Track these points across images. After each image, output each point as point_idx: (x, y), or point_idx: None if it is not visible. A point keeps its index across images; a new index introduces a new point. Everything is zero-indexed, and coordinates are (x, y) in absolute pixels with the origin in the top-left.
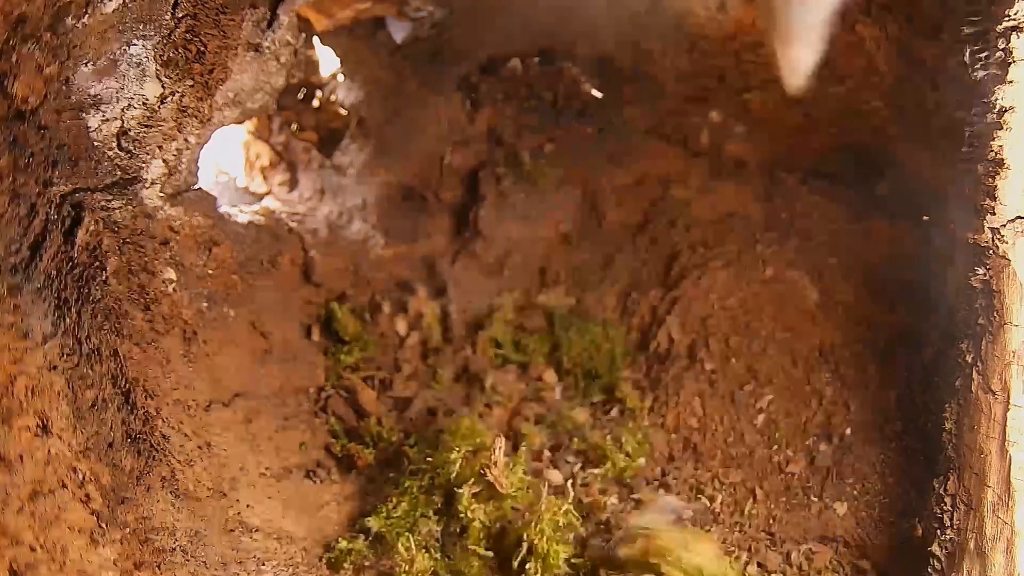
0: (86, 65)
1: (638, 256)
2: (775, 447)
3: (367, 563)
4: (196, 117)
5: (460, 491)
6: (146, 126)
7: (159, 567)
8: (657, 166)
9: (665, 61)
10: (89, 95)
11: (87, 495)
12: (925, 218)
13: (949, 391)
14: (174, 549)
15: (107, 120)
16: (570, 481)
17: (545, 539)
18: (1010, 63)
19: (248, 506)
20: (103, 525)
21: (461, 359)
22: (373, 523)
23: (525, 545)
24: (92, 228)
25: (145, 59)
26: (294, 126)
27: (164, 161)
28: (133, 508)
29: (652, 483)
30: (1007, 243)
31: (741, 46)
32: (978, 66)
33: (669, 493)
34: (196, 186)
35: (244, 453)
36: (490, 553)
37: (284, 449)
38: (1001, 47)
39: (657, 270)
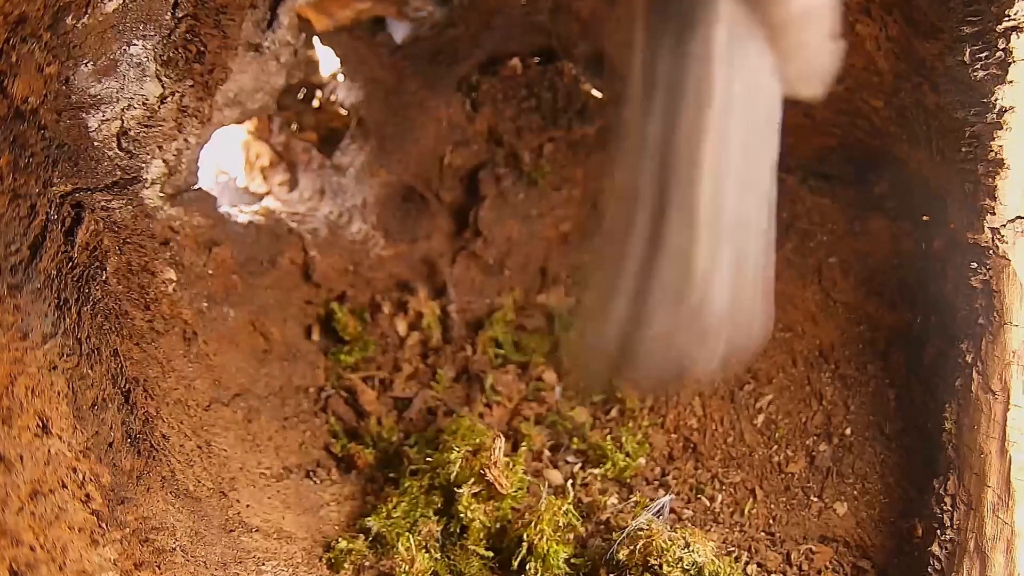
0: (86, 65)
1: None
2: (775, 447)
3: (367, 563)
4: (196, 117)
5: (460, 491)
6: (146, 126)
7: (159, 567)
8: None
9: None
10: (89, 95)
11: (87, 495)
12: (925, 218)
13: (949, 391)
14: (174, 549)
15: (107, 120)
16: (570, 481)
17: (545, 539)
18: (1010, 63)
19: (248, 506)
20: (103, 525)
21: (461, 359)
22: (373, 523)
23: (525, 545)
24: (92, 228)
25: (145, 59)
26: (294, 126)
27: (164, 161)
28: (133, 508)
29: (652, 483)
30: (1007, 243)
31: None
32: (978, 66)
33: (669, 493)
34: (196, 186)
35: (244, 453)
36: (490, 553)
37: (284, 449)
38: (1001, 47)
39: None
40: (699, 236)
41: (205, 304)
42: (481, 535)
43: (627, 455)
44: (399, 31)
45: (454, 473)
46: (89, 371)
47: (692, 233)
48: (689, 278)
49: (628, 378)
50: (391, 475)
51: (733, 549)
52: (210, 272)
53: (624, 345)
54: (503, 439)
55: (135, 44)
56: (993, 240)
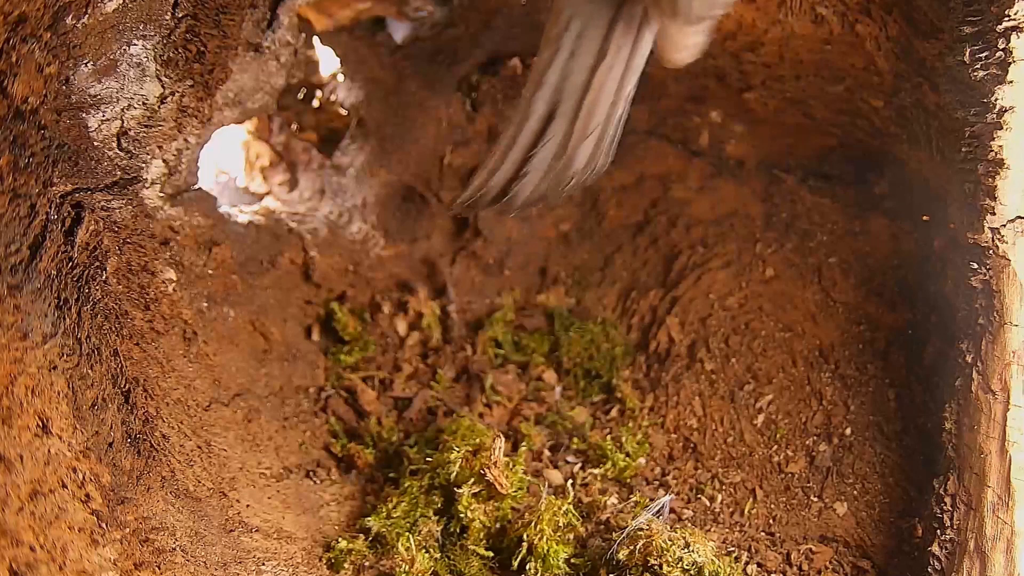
0: (86, 65)
1: (638, 256)
2: (775, 447)
3: (367, 563)
4: (196, 117)
5: (460, 491)
6: (146, 126)
7: (159, 567)
8: (657, 166)
9: None
10: (89, 95)
11: (87, 495)
12: (925, 218)
13: (949, 391)
14: (174, 549)
15: (107, 120)
16: (570, 481)
17: (545, 539)
18: (1010, 63)
19: (248, 506)
20: (103, 525)
21: (461, 359)
22: (373, 523)
23: (525, 545)
24: (92, 228)
25: (145, 59)
26: (294, 126)
27: (164, 161)
28: (133, 508)
29: (652, 483)
30: (1007, 243)
31: (741, 46)
32: (978, 66)
33: (669, 493)
34: (196, 186)
35: (244, 453)
36: (490, 553)
37: (284, 449)
38: (1001, 47)
39: (657, 270)
40: (574, 132)
41: (205, 304)
42: (481, 535)
43: (627, 455)
44: (399, 31)
45: (454, 473)
46: (89, 371)
47: (569, 130)
48: (561, 153)
49: (504, 205)
50: (391, 475)
51: (733, 549)
52: (210, 272)
53: (507, 188)
54: (503, 439)
55: (135, 44)
56: (993, 240)
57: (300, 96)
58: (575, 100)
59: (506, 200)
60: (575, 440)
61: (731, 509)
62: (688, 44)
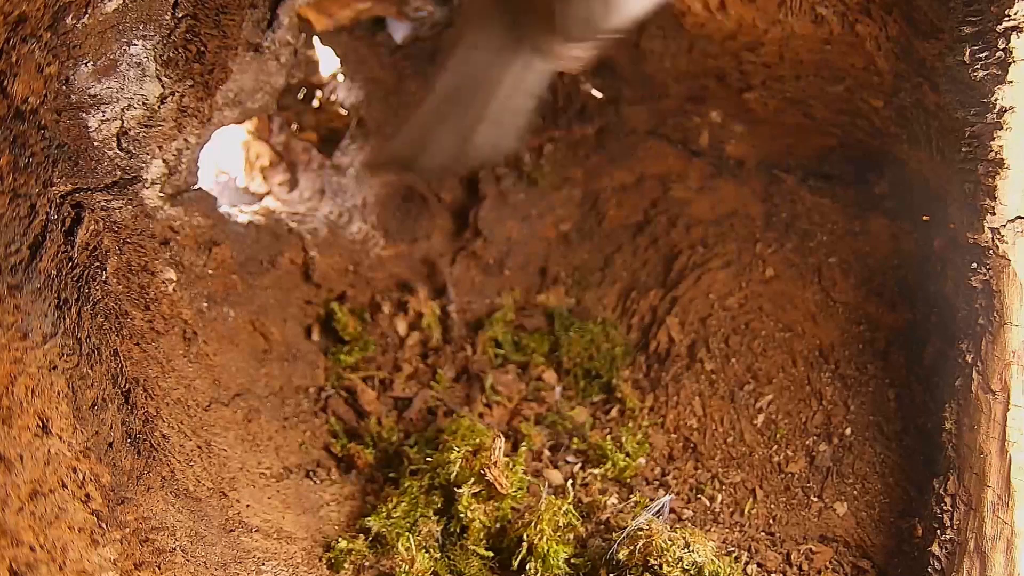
0: (86, 65)
1: (638, 256)
2: (775, 447)
3: (367, 563)
4: (196, 117)
5: (460, 491)
6: (146, 126)
7: (159, 567)
8: (657, 166)
9: (665, 61)
10: (89, 95)
11: (87, 495)
12: (925, 218)
13: (949, 391)
14: (174, 549)
15: (107, 120)
16: (570, 481)
17: (545, 539)
18: (1010, 63)
19: (248, 506)
20: (103, 525)
21: (461, 359)
22: (373, 523)
23: (525, 545)
24: (92, 228)
25: (145, 59)
26: (294, 126)
27: (164, 161)
28: (133, 508)
29: (652, 483)
30: (1007, 243)
31: (741, 46)
32: (978, 66)
33: (669, 493)
34: (196, 186)
35: (244, 453)
36: (490, 553)
37: (284, 449)
38: (1001, 47)
39: (657, 270)
40: (470, 114)
41: (205, 304)
42: (481, 535)
43: (627, 455)
44: (399, 31)
45: (454, 473)
46: (89, 371)
47: (466, 112)
48: (461, 130)
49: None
50: (391, 475)
51: (733, 549)
52: (210, 272)
53: (413, 153)
54: (503, 439)
55: (135, 44)
56: (993, 240)
57: (300, 96)
58: (472, 86)
59: (415, 165)
60: (575, 440)
61: (731, 509)
62: (572, 57)
